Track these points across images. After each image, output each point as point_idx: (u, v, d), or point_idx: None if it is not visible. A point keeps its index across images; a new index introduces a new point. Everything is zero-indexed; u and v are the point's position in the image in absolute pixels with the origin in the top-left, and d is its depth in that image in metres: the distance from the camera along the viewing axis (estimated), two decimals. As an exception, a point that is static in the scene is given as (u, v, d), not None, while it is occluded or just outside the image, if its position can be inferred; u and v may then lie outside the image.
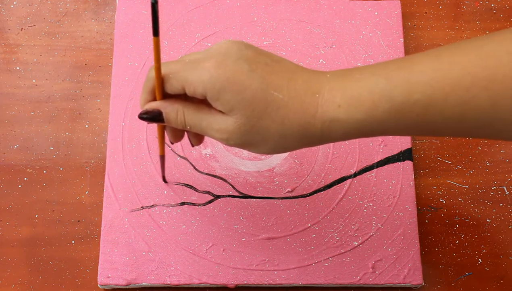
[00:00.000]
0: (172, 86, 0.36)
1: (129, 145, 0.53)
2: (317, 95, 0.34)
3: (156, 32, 0.34)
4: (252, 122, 0.34)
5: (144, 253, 0.50)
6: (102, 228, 0.50)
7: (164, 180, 0.51)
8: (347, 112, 0.33)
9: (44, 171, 0.54)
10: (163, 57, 0.55)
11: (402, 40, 0.56)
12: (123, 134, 0.53)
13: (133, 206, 0.51)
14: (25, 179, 0.53)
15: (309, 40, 0.56)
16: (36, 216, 0.53)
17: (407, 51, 0.57)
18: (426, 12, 0.60)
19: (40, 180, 0.54)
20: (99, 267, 0.49)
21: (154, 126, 0.53)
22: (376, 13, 0.57)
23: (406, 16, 0.59)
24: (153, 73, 0.36)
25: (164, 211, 0.51)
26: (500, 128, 0.33)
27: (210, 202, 0.51)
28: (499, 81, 0.31)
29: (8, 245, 0.52)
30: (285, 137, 0.35)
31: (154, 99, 0.38)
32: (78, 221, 0.52)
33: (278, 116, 0.34)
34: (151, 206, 0.51)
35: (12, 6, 0.59)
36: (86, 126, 0.55)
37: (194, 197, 0.51)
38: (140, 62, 0.55)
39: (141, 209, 0.51)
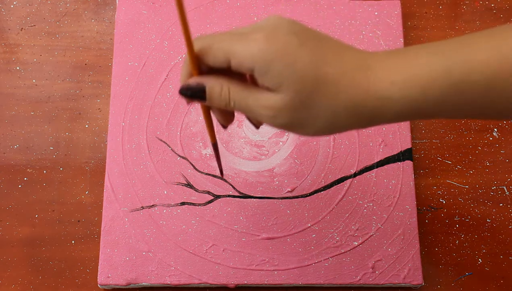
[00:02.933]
0: (216, 58, 0.33)
1: (129, 145, 0.53)
2: (369, 72, 0.33)
3: None
4: (301, 98, 0.32)
5: (144, 253, 0.50)
6: (102, 228, 0.50)
7: (222, 173, 0.49)
8: (401, 90, 0.32)
9: (44, 171, 0.54)
10: (162, 57, 0.55)
11: (402, 40, 0.56)
12: (123, 134, 0.53)
13: (133, 206, 0.51)
14: (25, 179, 0.53)
15: (309, 40, 0.56)
16: (36, 216, 0.53)
17: (407, 51, 0.57)
18: (426, 12, 0.60)
19: (40, 180, 0.54)
20: (99, 267, 0.49)
21: (153, 126, 0.53)
22: (376, 13, 0.57)
23: (406, 16, 0.59)
24: (195, 45, 0.34)
25: (164, 211, 0.51)
26: None
27: (210, 202, 0.51)
28: None
29: (8, 245, 0.52)
30: (335, 115, 0.33)
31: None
32: (78, 221, 0.52)
33: (328, 92, 0.32)
34: (151, 206, 0.51)
35: (12, 6, 0.59)
36: (86, 126, 0.55)
37: (194, 197, 0.51)
38: (140, 62, 0.55)
39: (141, 209, 0.51)
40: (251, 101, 0.34)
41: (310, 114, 0.33)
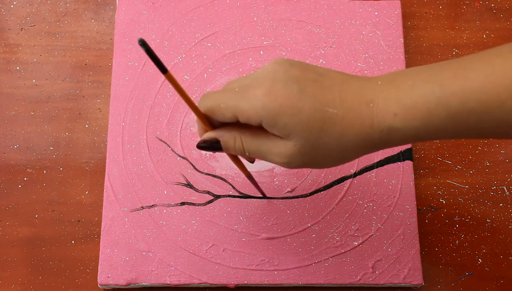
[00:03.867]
0: (224, 116, 0.35)
1: (129, 145, 0.53)
2: (371, 105, 0.34)
3: (163, 69, 0.33)
4: (311, 142, 0.34)
5: (144, 253, 0.50)
6: (102, 228, 0.50)
7: (264, 195, 0.51)
8: (403, 121, 0.33)
9: (44, 171, 0.54)
10: (162, 57, 0.55)
11: (402, 40, 0.56)
12: (123, 134, 0.53)
13: (133, 206, 0.51)
14: (25, 179, 0.53)
15: (309, 40, 0.56)
16: (36, 216, 0.53)
17: (407, 51, 0.57)
18: (426, 12, 0.60)
19: (40, 180, 0.54)
20: (99, 267, 0.49)
21: (154, 126, 0.53)
22: (376, 13, 0.57)
23: (406, 16, 0.59)
24: (201, 105, 0.36)
25: (164, 211, 0.51)
26: None
27: (210, 202, 0.51)
28: None
29: (8, 245, 0.52)
30: (345, 150, 0.35)
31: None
32: (78, 221, 0.52)
33: (336, 132, 0.34)
34: (151, 206, 0.51)
35: (12, 6, 0.59)
36: (86, 126, 0.55)
37: (194, 197, 0.51)
38: (140, 62, 0.55)
39: (141, 209, 0.51)
40: (264, 150, 0.36)
41: (321, 154, 0.35)
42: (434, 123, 0.33)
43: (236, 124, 0.36)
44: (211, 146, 0.37)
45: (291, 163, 0.35)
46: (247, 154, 0.37)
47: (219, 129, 0.37)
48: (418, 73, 0.34)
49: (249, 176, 0.45)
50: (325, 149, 0.34)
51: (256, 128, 0.36)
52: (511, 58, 0.32)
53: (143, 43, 0.30)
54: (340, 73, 0.36)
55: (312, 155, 0.35)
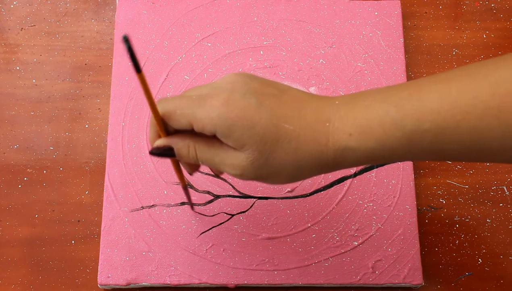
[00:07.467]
0: (179, 123, 0.35)
1: (129, 145, 0.53)
2: (327, 124, 0.34)
3: (138, 68, 0.33)
4: (265, 156, 0.34)
5: (144, 253, 0.50)
6: (102, 228, 0.50)
7: (193, 208, 0.51)
8: (358, 141, 0.33)
9: (44, 171, 0.54)
10: (162, 57, 0.55)
11: (402, 40, 0.56)
12: (123, 134, 0.53)
13: (133, 206, 0.51)
14: (25, 179, 0.54)
15: (309, 40, 0.56)
16: (36, 216, 0.53)
17: (407, 51, 0.57)
18: (426, 12, 0.60)
19: (40, 180, 0.54)
20: (99, 267, 0.49)
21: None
22: (376, 13, 0.57)
23: (406, 16, 0.59)
24: (157, 108, 0.36)
25: (164, 211, 0.51)
26: None
27: (210, 202, 0.51)
28: (509, 111, 0.31)
29: (8, 245, 0.52)
30: (299, 168, 0.35)
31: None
32: (78, 221, 0.52)
33: (290, 148, 0.34)
34: (151, 206, 0.51)
35: (12, 6, 0.59)
36: (86, 126, 0.55)
37: (194, 197, 0.51)
38: (140, 62, 0.55)
39: (141, 209, 0.51)
40: (217, 160, 0.35)
41: (275, 169, 0.35)
42: (389, 143, 0.33)
43: (191, 133, 0.36)
44: (164, 153, 0.37)
45: (243, 175, 0.35)
46: (200, 163, 0.37)
47: (173, 137, 0.37)
48: (375, 95, 0.35)
49: (185, 187, 0.45)
50: (279, 164, 0.34)
51: (210, 138, 0.35)
52: (467, 81, 0.32)
53: (126, 40, 0.30)
54: (300, 91, 0.36)
55: (266, 169, 0.35)
